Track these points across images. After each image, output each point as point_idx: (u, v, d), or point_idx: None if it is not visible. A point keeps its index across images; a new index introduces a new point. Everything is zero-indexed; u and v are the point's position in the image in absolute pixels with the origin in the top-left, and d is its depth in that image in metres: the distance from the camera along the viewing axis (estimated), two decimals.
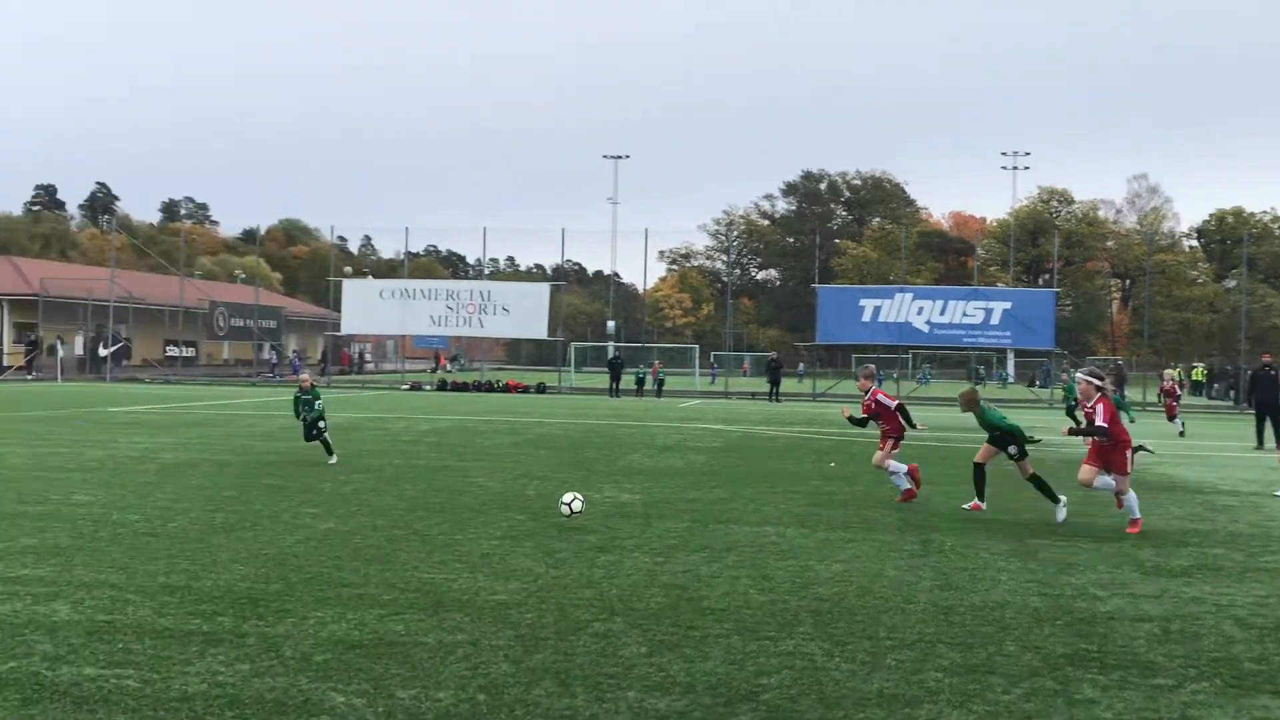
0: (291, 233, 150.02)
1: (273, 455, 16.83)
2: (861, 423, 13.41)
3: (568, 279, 75.63)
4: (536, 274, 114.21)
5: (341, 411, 28.80)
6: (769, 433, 24.28)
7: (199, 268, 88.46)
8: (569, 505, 10.54)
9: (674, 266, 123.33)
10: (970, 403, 12.27)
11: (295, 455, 16.80)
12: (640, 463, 17.00)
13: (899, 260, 67.26)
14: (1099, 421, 10.84)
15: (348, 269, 72.97)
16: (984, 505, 12.11)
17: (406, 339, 61.28)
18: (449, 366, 71.01)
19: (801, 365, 64.97)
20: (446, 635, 6.55)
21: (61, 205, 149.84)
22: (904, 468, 12.89)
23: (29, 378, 48.52)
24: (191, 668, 5.80)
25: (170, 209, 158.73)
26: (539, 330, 50.74)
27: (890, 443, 12.94)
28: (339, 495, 12.45)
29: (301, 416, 16.17)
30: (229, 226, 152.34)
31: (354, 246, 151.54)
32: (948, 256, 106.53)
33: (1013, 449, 11.85)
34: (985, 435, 12.32)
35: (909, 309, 46.75)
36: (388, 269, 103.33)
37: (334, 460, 15.71)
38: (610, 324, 66.59)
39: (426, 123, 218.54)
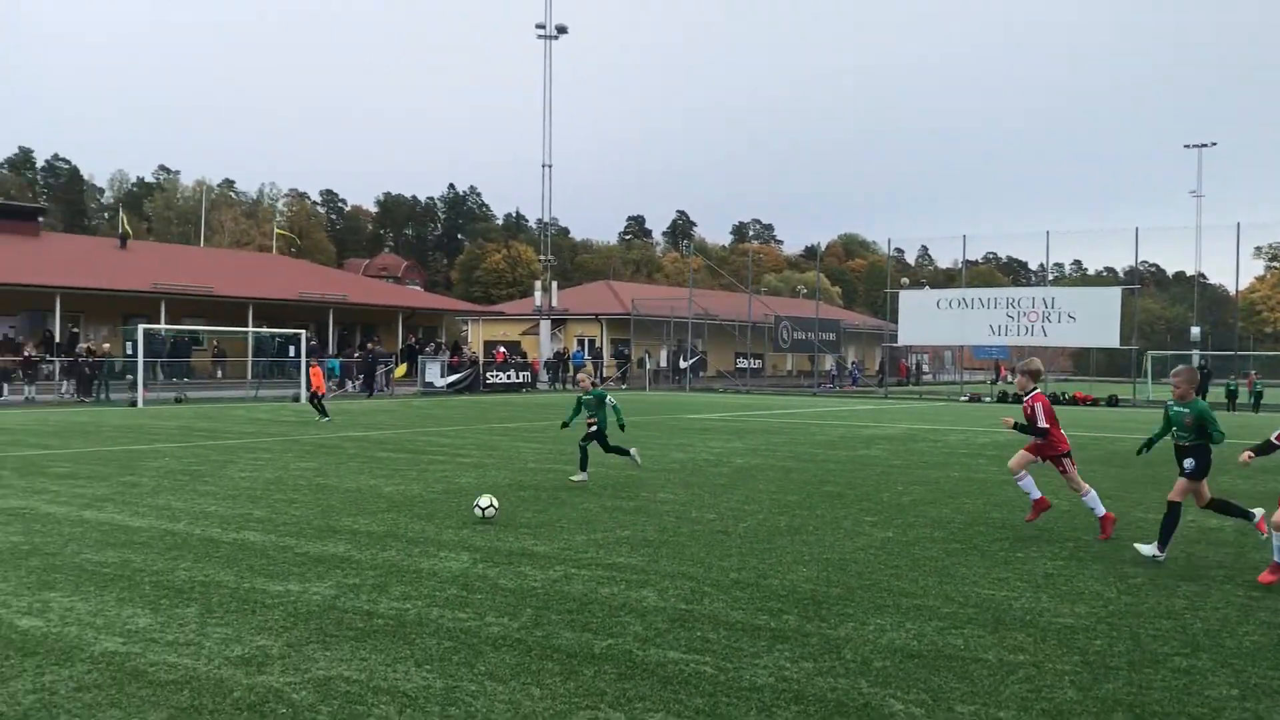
0: (850, 247, 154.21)
1: (833, 464, 17.36)
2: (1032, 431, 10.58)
3: (1143, 282, 69.72)
4: (1107, 278, 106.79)
5: (898, 423, 29.00)
6: None
7: (764, 284, 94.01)
8: (481, 508, 10.69)
9: (1274, 264, 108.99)
10: (1190, 384, 9.39)
11: (854, 464, 17.21)
12: (1230, 485, 15.21)
13: None
14: None
15: (904, 280, 73.43)
16: (1163, 556, 9.19)
17: (965, 349, 60.20)
18: (1010, 378, 68.62)
19: None
20: (1008, 654, 6.34)
21: (648, 233, 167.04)
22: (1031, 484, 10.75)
23: (622, 388, 54.58)
24: (760, 661, 6.17)
25: (740, 231, 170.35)
26: (1109, 338, 47.30)
27: (1036, 454, 10.59)
28: (897, 505, 12.55)
29: (567, 423, 14.93)
30: (791, 244, 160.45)
31: (910, 257, 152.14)
32: None
33: (1189, 463, 9.11)
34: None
35: None
36: (945, 279, 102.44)
37: (637, 459, 14.94)
38: (1194, 330, 60.33)
39: (982, 126, 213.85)
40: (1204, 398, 38.55)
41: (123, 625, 6.75)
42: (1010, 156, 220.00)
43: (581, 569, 8.66)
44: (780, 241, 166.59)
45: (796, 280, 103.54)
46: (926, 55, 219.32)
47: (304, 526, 10.58)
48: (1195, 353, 54.11)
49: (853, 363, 72.14)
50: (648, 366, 57.31)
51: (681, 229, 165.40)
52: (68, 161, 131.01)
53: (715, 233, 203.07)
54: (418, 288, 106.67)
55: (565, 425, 15.04)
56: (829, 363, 66.25)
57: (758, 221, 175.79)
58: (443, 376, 45.08)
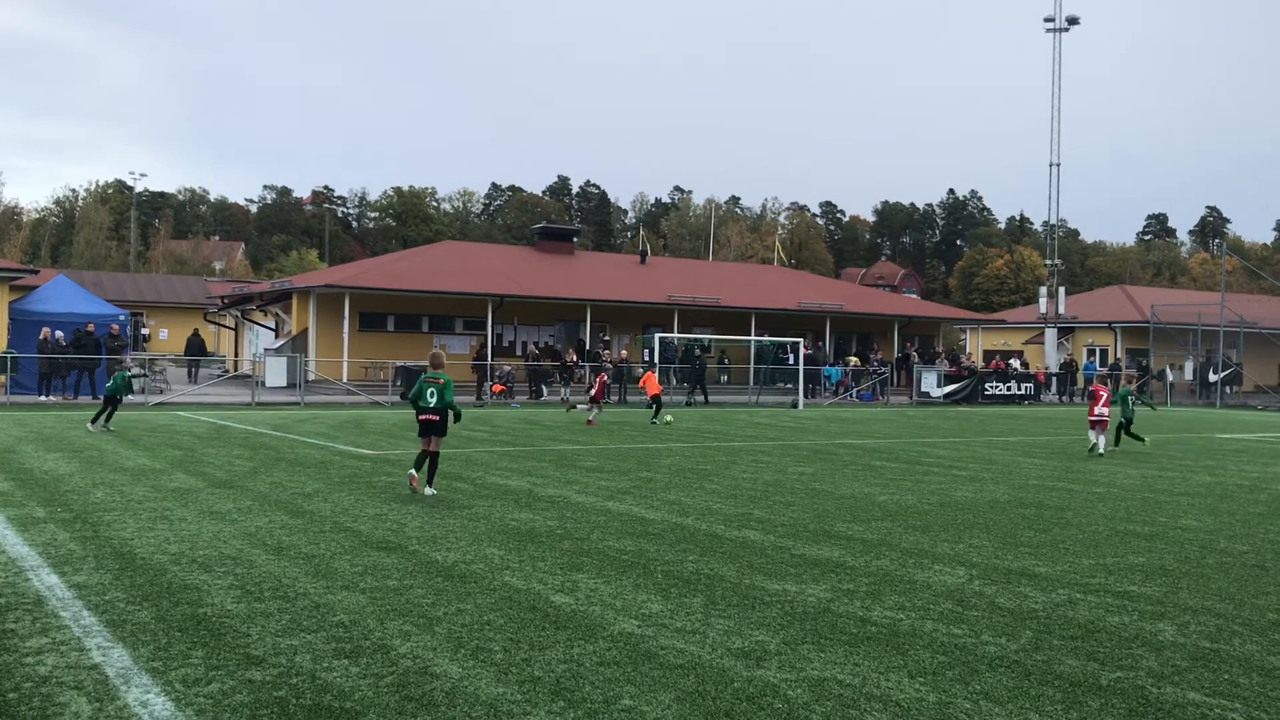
0: None
1: None
2: None
3: None
4: None
5: None
6: None
7: None
8: None
9: None
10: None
11: None
12: None
13: None
14: None
15: None
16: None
17: None
18: None
19: None
20: None
21: (1171, 233, 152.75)
22: None
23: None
24: None
25: None
26: None
27: None
28: None
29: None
30: None
31: None
32: None
33: None
34: None
35: None
36: None
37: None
38: None
39: None
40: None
41: (638, 609, 7.36)
42: None
43: (1088, 594, 8.11)
44: None
45: None
46: None
47: (800, 529, 10.89)
48: None
49: None
50: (1169, 379, 52.33)
51: (1212, 227, 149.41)
52: (597, 187, 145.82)
53: (1254, 230, 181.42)
54: (914, 296, 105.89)
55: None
56: None
57: None
58: (939, 386, 44.30)
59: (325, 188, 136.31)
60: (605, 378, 27.98)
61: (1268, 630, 7.12)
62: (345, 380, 38.32)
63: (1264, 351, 58.05)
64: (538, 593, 7.77)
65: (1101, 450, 20.00)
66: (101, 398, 21.18)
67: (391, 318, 44.73)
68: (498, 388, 36.48)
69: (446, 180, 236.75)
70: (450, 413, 12.43)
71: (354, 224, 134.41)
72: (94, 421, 20.63)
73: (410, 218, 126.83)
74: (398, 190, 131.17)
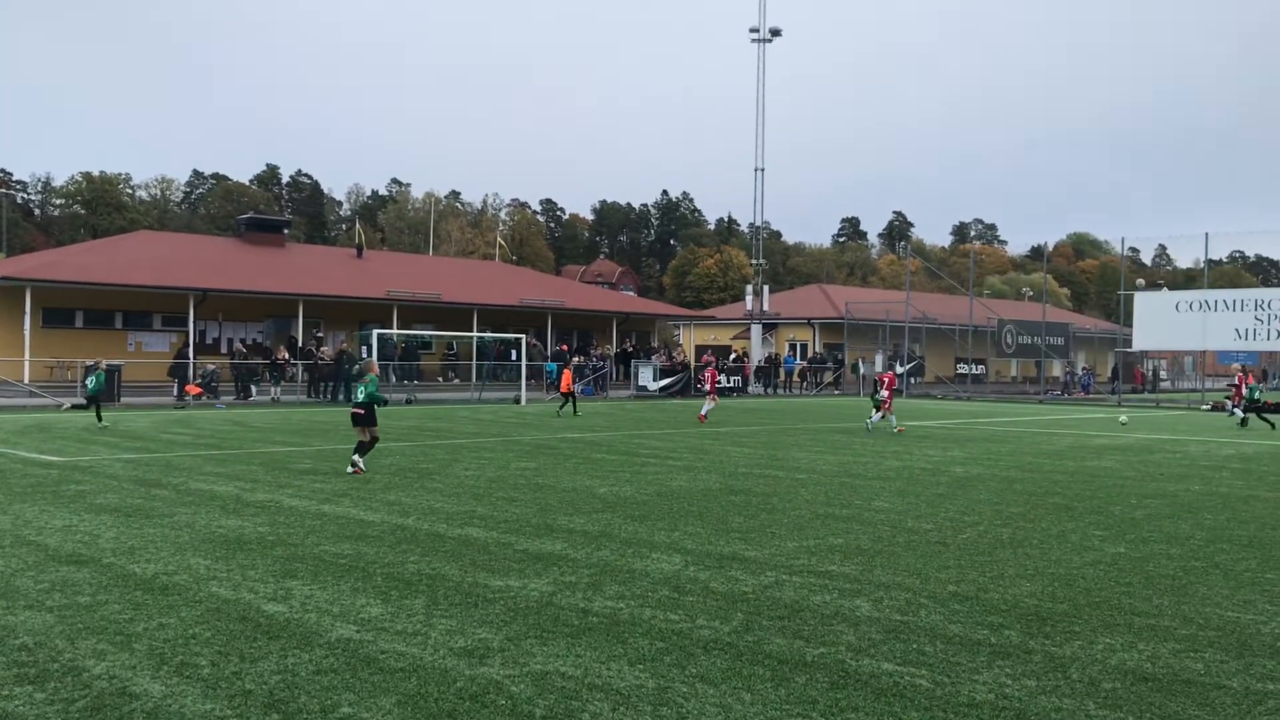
0: (1080, 247, 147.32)
1: (1060, 474, 16.57)
2: None
3: None
4: None
5: (1133, 432, 27.42)
6: None
7: (987, 286, 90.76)
8: None
9: None
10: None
11: (1083, 475, 16.37)
12: None
13: None
14: None
15: (1140, 281, 69.39)
16: None
17: (1207, 355, 56.33)
18: (1261, 386, 63.51)
19: None
20: (1255, 683, 5.89)
21: (863, 235, 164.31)
22: None
23: (835, 393, 53.83)
24: (979, 676, 5.95)
25: (960, 231, 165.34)
26: None
27: None
28: (1129, 520, 11.86)
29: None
30: (1016, 245, 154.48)
31: (1146, 258, 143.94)
32: None
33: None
34: None
35: None
36: (1185, 279, 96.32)
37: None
38: None
39: (1220, 111, 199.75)
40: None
41: (357, 614, 7.15)
42: (1255, 145, 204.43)
43: (793, 575, 8.59)
44: (1004, 242, 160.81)
45: (1022, 282, 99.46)
46: (1172, 45, 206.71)
47: (523, 524, 10.93)
48: None
49: (1083, 369, 68.65)
50: (862, 372, 56.30)
51: (898, 230, 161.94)
52: (309, 177, 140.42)
53: (934, 234, 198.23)
54: (631, 293, 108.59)
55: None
56: (1057, 369, 63.24)
57: (979, 221, 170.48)
58: (655, 380, 45.67)
59: (2, 171, 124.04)
60: (715, 372, 31.96)
61: (948, 601, 7.79)
62: (27, 381, 35.10)
63: (943, 345, 63.54)
64: (248, 602, 7.41)
65: (871, 424, 25.71)
66: None
67: (80, 313, 41.36)
68: (193, 389, 34.40)
69: (142, 166, 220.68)
70: (374, 404, 15.21)
71: (36, 211, 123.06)
72: None
73: (101, 206, 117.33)
74: (87, 176, 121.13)
